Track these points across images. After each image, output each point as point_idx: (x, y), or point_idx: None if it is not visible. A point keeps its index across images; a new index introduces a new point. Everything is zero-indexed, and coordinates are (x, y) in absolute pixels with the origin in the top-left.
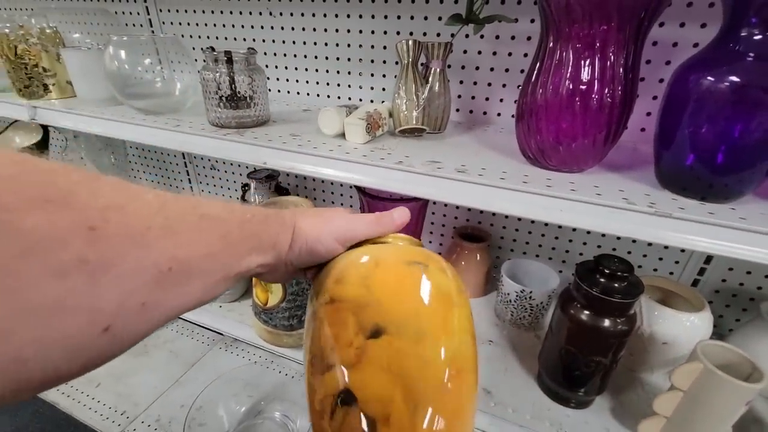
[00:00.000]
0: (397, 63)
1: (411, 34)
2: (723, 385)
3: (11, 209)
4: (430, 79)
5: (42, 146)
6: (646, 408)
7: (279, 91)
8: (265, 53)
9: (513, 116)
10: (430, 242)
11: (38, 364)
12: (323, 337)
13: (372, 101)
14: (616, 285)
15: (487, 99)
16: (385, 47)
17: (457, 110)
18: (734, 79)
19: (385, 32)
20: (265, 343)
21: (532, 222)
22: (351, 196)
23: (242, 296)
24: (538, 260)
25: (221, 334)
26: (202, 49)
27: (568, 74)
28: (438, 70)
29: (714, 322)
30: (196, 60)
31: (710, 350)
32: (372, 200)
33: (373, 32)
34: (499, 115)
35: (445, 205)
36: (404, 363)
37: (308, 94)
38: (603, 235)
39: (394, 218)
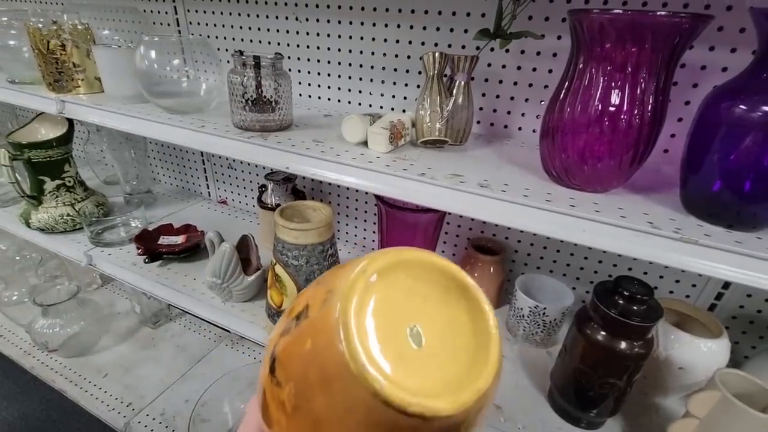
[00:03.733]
0: (420, 73)
1: (436, 45)
2: (741, 415)
3: None
4: (455, 91)
5: (66, 139)
6: None
7: (300, 95)
8: (289, 57)
9: (534, 131)
10: (443, 251)
11: None
12: None
13: (393, 110)
14: (635, 308)
15: (509, 113)
16: (409, 57)
17: (478, 122)
18: (767, 108)
19: (410, 42)
20: (256, 335)
21: (548, 237)
22: (366, 202)
23: (255, 297)
24: (552, 276)
25: (228, 331)
26: (228, 51)
27: (598, 95)
28: (463, 83)
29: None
30: (220, 61)
31: (729, 378)
32: (390, 209)
33: (397, 41)
34: (520, 129)
35: (461, 216)
36: None
37: (329, 99)
38: (619, 255)
39: None
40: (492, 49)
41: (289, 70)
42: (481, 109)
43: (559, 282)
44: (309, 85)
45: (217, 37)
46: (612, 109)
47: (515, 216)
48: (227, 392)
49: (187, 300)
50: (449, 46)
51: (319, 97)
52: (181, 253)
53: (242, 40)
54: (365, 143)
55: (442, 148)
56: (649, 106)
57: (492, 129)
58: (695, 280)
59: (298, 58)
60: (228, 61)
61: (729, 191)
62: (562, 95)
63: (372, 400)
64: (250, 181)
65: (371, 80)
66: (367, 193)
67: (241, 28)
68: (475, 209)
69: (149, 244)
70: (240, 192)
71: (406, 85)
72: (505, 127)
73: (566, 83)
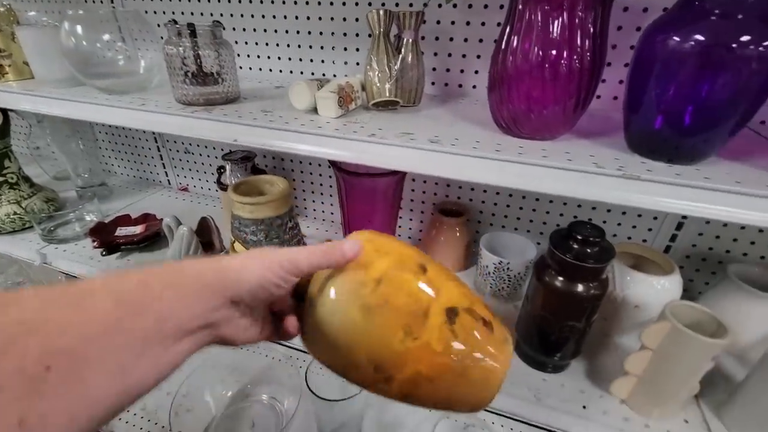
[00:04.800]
0: (370, 35)
1: (383, 4)
2: (690, 342)
3: None
4: (403, 50)
5: (2, 133)
6: (619, 369)
7: (251, 68)
8: (234, 29)
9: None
10: (411, 219)
11: None
12: (399, 308)
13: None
14: (588, 250)
15: (462, 71)
16: (357, 19)
17: (433, 83)
18: (699, 38)
19: (357, 3)
20: None
21: (510, 195)
22: (330, 176)
23: None
24: (516, 233)
25: None
26: (164, 23)
27: (537, 38)
28: (410, 40)
29: (685, 286)
30: (162, 38)
31: (678, 310)
32: (348, 176)
33: (344, 3)
34: (474, 87)
35: (424, 181)
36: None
37: (281, 71)
38: (579, 206)
39: (345, 252)
40: (439, 5)
41: (236, 42)
42: (434, 69)
43: (522, 237)
44: (258, 57)
45: (155, 12)
46: (552, 52)
47: (465, 168)
48: (208, 380)
49: None
50: (396, 5)
51: (270, 70)
52: (140, 242)
53: (183, 13)
54: (315, 110)
55: (395, 109)
56: (588, 49)
57: (447, 89)
58: (651, 224)
59: (244, 29)
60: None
61: (669, 126)
62: (503, 44)
63: None
64: (210, 165)
65: (321, 48)
66: (329, 166)
67: (180, 0)
68: (425, 165)
69: (105, 237)
70: (201, 177)
71: (358, 50)
72: (460, 86)
73: (506, 30)
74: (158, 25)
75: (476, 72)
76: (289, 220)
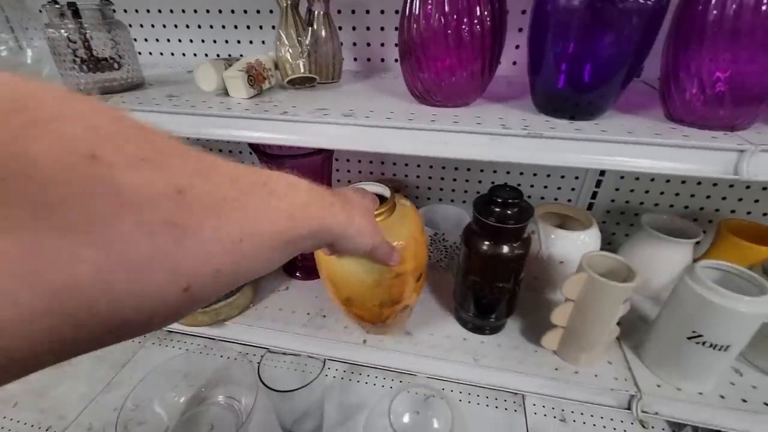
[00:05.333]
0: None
1: None
2: (604, 288)
3: (113, 165)
4: (315, 23)
5: None
6: (548, 323)
7: (162, 54)
8: (137, 10)
9: None
10: None
11: (132, 316)
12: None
13: None
14: (509, 212)
15: (382, 44)
16: None
17: (355, 59)
18: None
19: None
20: (181, 326)
21: (443, 168)
22: (254, 162)
23: None
24: (452, 204)
25: None
26: (43, 5)
27: (437, 4)
28: (321, 12)
29: (608, 240)
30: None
31: (593, 260)
32: (270, 160)
33: None
34: (396, 60)
35: (359, 160)
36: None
37: (195, 54)
38: (508, 172)
39: (394, 261)
40: None
41: (141, 26)
42: (354, 44)
43: (458, 208)
44: (169, 41)
45: None
46: (453, 19)
47: (379, 140)
48: (159, 389)
49: None
50: None
51: (184, 54)
52: None
53: None
54: (226, 92)
55: (313, 86)
56: (488, 14)
57: (369, 64)
58: (573, 184)
59: (148, 11)
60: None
61: (569, 84)
62: (407, 12)
63: None
64: None
65: (235, 27)
66: (251, 153)
67: None
68: (339, 139)
69: None
70: None
71: (274, 27)
72: (382, 60)
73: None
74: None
75: (396, 44)
76: None
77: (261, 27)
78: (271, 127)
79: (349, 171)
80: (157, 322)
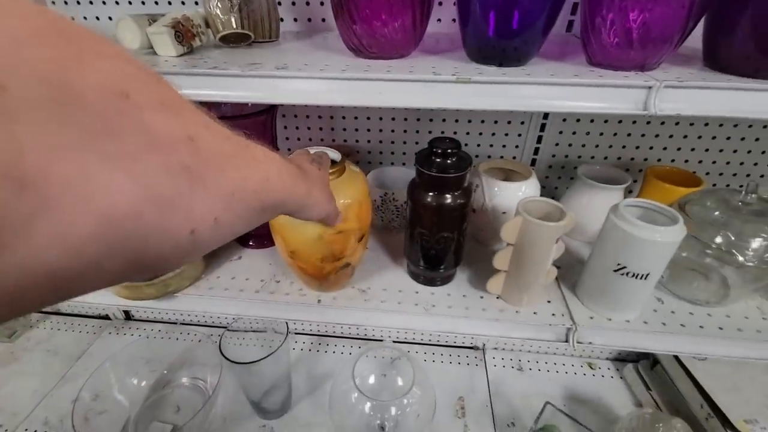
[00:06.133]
0: None
1: None
2: (537, 229)
3: (141, 106)
4: None
5: None
6: (492, 269)
7: (85, 18)
8: None
9: None
10: None
11: (150, 256)
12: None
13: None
14: (448, 161)
15: (322, 3)
16: None
17: (296, 20)
18: None
19: None
20: (127, 301)
21: (393, 131)
22: None
23: None
24: (404, 166)
25: (108, 318)
26: None
27: None
28: None
29: (552, 193)
30: None
31: (529, 205)
32: None
33: None
34: None
35: (309, 128)
36: None
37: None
38: (455, 132)
39: (339, 219)
40: None
41: None
42: (293, 3)
43: (408, 170)
44: (91, 3)
45: None
46: None
47: (314, 92)
48: (119, 377)
49: None
50: None
51: (110, 18)
52: None
53: None
54: (153, 51)
55: (248, 44)
56: None
57: (311, 25)
58: (517, 141)
59: None
60: None
61: (497, 32)
62: None
63: None
64: None
65: None
66: None
67: None
68: (271, 95)
69: None
70: None
71: None
72: (323, 20)
73: None
74: None
75: None
76: None
77: None
78: (200, 82)
79: (299, 139)
80: (165, 266)
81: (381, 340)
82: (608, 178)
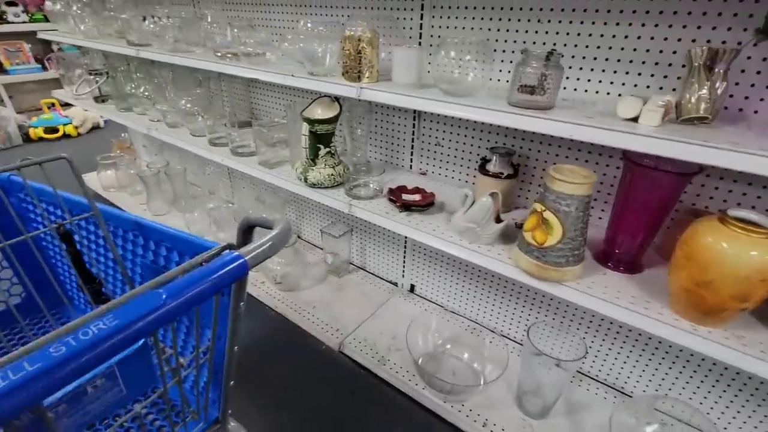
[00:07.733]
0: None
1: (693, 41)
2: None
3: None
4: (716, 79)
5: (338, 117)
6: None
7: (575, 90)
8: (573, 57)
9: None
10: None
11: None
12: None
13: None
14: None
15: (746, 98)
16: (661, 51)
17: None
18: None
19: (679, 39)
20: (531, 278)
21: None
22: (608, 165)
23: (495, 241)
24: None
25: (395, 284)
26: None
27: None
28: (722, 71)
29: None
30: (493, 60)
31: None
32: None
33: (665, 39)
34: (756, 113)
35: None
36: None
37: (597, 92)
38: None
39: None
40: (739, 42)
41: (569, 68)
42: (731, 96)
43: None
44: (589, 81)
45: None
46: None
47: None
48: (413, 332)
49: (438, 242)
50: (708, 41)
51: (586, 91)
52: (422, 207)
53: (497, 40)
54: (635, 119)
55: (693, 124)
56: None
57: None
58: None
59: (572, 57)
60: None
61: None
62: None
63: None
64: (454, 156)
65: (638, 74)
66: (621, 158)
67: (498, 30)
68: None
69: (398, 198)
70: (440, 165)
71: (665, 77)
72: (740, 110)
73: None
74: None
75: (761, 99)
76: (590, 201)
77: (652, 75)
78: (677, 146)
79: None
80: None
81: None
82: None
